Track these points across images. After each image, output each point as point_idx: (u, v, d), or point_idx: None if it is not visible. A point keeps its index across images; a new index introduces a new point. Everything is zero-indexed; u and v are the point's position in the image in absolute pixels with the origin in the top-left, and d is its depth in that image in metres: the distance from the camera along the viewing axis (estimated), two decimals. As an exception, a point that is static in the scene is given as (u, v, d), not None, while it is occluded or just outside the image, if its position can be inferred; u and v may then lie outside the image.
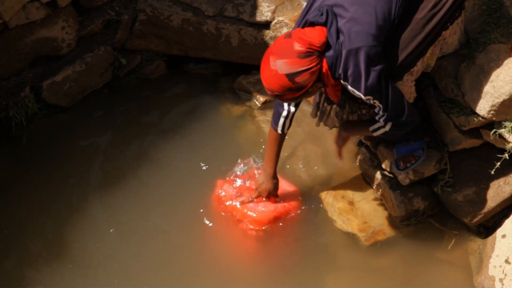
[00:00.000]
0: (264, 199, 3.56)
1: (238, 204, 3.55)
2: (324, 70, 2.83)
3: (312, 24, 2.84)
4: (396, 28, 2.88)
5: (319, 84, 2.87)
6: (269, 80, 2.83)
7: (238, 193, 3.59)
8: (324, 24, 2.81)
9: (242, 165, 3.73)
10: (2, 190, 3.72)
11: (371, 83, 2.81)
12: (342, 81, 2.87)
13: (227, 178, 3.69)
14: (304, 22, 2.87)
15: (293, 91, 2.82)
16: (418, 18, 2.89)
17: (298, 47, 2.77)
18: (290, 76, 2.78)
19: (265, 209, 3.53)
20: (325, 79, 2.86)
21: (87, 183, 3.77)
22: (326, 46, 2.81)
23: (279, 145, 3.46)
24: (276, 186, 3.55)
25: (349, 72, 2.81)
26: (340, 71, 2.82)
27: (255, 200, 3.55)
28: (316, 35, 2.79)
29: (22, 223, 3.60)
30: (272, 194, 3.56)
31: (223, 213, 3.58)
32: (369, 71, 2.79)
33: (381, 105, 2.92)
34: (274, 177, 3.52)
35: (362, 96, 2.87)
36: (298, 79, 2.79)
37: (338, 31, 2.78)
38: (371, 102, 2.91)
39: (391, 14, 2.82)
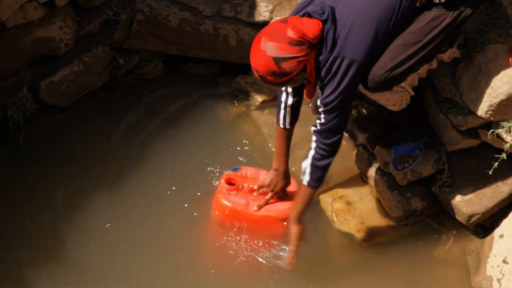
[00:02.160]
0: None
1: (254, 209, 3.45)
2: (309, 67, 2.85)
3: (310, 16, 2.85)
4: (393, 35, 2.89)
5: (305, 75, 2.90)
6: (256, 60, 2.87)
7: (247, 200, 3.49)
8: (323, 23, 2.81)
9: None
10: (0, 190, 3.72)
11: (338, 97, 2.86)
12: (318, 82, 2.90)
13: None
14: (304, 13, 2.87)
15: (276, 75, 2.85)
16: (414, 29, 2.88)
17: (291, 33, 2.79)
18: (277, 60, 2.81)
19: (283, 206, 3.47)
20: (308, 73, 2.88)
21: (85, 183, 3.76)
22: (319, 43, 2.82)
23: (286, 141, 3.40)
24: (288, 182, 3.49)
25: (329, 75, 2.84)
26: (323, 73, 2.85)
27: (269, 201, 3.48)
28: (312, 26, 2.80)
29: (21, 223, 3.59)
30: (284, 191, 3.51)
31: (232, 224, 3.50)
32: (347, 85, 2.84)
33: (325, 119, 2.96)
34: (287, 174, 3.47)
35: (320, 101, 2.91)
36: (284, 65, 2.81)
37: (334, 40, 2.80)
38: (321, 109, 2.94)
39: (389, 27, 2.83)
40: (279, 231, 3.46)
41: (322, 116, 2.98)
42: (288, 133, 3.38)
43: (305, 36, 2.79)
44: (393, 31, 2.86)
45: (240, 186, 3.53)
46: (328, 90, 2.89)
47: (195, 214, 3.62)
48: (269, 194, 3.47)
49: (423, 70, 3.09)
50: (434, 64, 3.12)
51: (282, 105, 3.29)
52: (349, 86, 2.86)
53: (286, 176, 3.47)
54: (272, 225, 3.47)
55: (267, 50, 2.82)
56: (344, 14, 2.81)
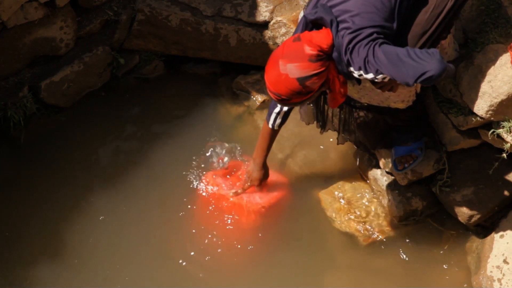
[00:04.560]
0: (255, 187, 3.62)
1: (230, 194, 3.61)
2: (331, 76, 2.80)
3: (313, 23, 2.82)
4: (400, 31, 2.86)
5: (323, 88, 2.85)
6: (278, 84, 2.77)
7: (228, 184, 3.63)
8: (321, 20, 2.77)
9: (215, 149, 3.78)
10: (1, 190, 3.72)
11: (376, 60, 2.67)
12: (350, 69, 2.77)
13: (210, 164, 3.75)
14: (305, 22, 2.83)
15: (302, 95, 2.78)
16: (420, 20, 2.87)
17: (309, 50, 2.73)
18: (301, 80, 2.74)
19: (260, 200, 3.59)
20: (330, 83, 2.84)
21: (85, 183, 3.77)
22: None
23: (271, 139, 3.47)
24: (266, 175, 3.59)
25: (353, 55, 2.71)
26: (345, 58, 2.74)
27: (247, 190, 3.60)
28: (324, 37, 2.75)
29: (21, 222, 3.60)
30: (260, 182, 3.59)
31: (211, 208, 3.61)
32: (371, 50, 2.68)
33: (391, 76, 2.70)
34: (264, 167, 3.56)
35: (369, 76, 2.72)
36: (309, 83, 2.75)
37: (338, 24, 2.73)
38: (380, 79, 2.74)
39: (393, 8, 2.77)
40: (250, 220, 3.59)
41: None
42: (274, 133, 3.45)
43: (322, 49, 2.73)
44: (399, 10, 2.78)
45: (232, 172, 3.69)
46: (363, 65, 2.70)
47: (194, 213, 3.62)
48: (247, 183, 3.59)
49: None
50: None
51: (277, 109, 3.31)
52: (375, 50, 2.67)
53: (263, 168, 3.55)
54: (242, 215, 3.56)
55: (288, 72, 2.73)
56: (343, 6, 2.75)
